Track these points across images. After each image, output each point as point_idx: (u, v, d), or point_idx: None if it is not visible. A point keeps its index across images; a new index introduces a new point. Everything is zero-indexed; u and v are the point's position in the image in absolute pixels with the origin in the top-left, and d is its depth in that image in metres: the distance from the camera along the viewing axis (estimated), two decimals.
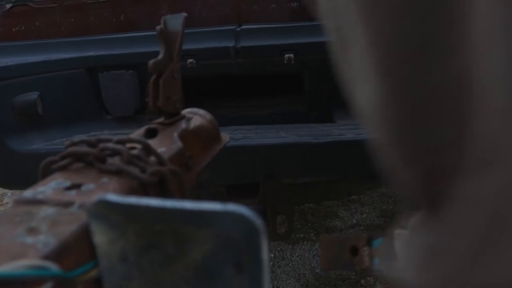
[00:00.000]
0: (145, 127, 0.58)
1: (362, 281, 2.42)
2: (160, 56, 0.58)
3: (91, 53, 1.76)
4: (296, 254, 2.73)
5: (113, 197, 0.31)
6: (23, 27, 1.88)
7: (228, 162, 1.33)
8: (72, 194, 0.38)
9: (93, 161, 0.43)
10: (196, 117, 0.65)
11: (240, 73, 1.73)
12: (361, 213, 3.15)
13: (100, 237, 0.33)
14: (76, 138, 0.45)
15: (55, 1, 1.85)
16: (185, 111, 0.66)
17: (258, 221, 0.27)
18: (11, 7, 1.86)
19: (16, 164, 1.59)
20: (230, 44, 1.67)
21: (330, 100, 1.65)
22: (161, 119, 0.61)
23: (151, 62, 0.57)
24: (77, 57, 1.75)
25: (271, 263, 2.63)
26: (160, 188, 0.44)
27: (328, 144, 1.39)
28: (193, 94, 1.71)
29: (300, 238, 2.89)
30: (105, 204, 0.31)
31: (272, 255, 2.71)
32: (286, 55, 1.63)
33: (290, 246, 2.80)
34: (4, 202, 3.78)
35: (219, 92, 2.01)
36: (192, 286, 0.33)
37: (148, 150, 0.45)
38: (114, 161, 0.43)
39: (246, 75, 1.77)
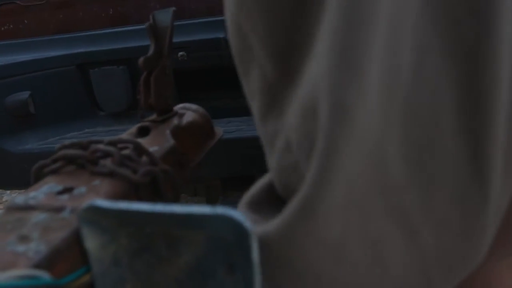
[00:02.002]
0: (138, 125, 0.58)
1: None
2: (150, 52, 0.58)
3: (81, 50, 1.76)
4: None
5: (103, 202, 0.31)
6: (11, 26, 1.87)
7: (222, 156, 1.33)
8: (64, 199, 0.38)
9: (85, 164, 0.43)
10: (189, 112, 0.65)
11: (232, 64, 1.72)
12: None
13: (92, 242, 0.33)
14: (67, 141, 0.45)
15: None
16: (178, 107, 0.66)
17: (247, 223, 0.27)
18: None
19: (11, 165, 1.59)
20: (221, 35, 1.66)
21: None
22: (153, 116, 0.61)
23: (141, 59, 0.57)
24: (67, 54, 1.75)
25: None
26: (153, 188, 0.44)
27: None
28: (185, 87, 1.70)
29: None
30: (95, 210, 0.31)
31: None
32: None
33: None
34: (4, 200, 3.78)
35: (212, 83, 2.01)
36: (185, 287, 0.33)
37: (139, 150, 0.45)
38: (106, 163, 0.43)
39: None
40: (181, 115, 0.63)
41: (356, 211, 0.30)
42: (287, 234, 0.33)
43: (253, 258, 0.28)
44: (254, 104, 0.40)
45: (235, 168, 1.49)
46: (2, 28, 1.86)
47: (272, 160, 0.40)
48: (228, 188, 1.63)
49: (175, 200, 0.48)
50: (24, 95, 1.61)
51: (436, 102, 0.26)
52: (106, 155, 0.44)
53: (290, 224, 0.33)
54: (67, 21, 1.86)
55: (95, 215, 0.32)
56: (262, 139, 0.41)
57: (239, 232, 0.28)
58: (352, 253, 0.31)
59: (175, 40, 0.62)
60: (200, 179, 1.55)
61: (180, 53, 1.65)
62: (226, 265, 0.30)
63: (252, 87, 0.40)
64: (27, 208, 0.38)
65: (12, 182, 1.72)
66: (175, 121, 0.60)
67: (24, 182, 1.70)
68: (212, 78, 1.96)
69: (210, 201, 1.67)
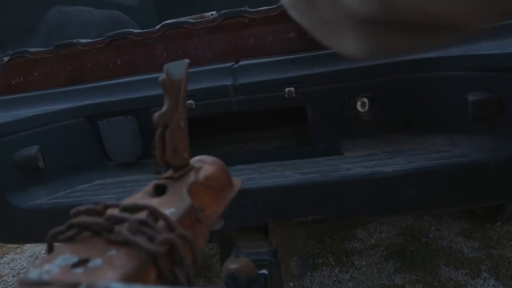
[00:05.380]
0: (153, 182, 0.56)
1: None
2: (164, 108, 0.56)
3: (89, 101, 1.75)
4: (316, 282, 2.65)
5: (118, 285, 0.29)
6: (21, 79, 1.88)
7: (233, 206, 1.30)
8: (79, 273, 0.36)
9: (100, 231, 0.41)
10: (205, 166, 0.63)
11: (241, 111, 1.70)
12: (380, 232, 3.08)
13: None
14: (82, 207, 0.43)
15: (51, 50, 1.85)
16: (194, 160, 0.64)
17: None
18: (9, 59, 1.86)
19: (20, 221, 1.56)
20: (228, 82, 1.64)
21: (335, 132, 1.61)
22: (169, 173, 0.58)
23: (155, 115, 0.55)
24: (75, 106, 1.74)
25: None
26: (171, 255, 0.42)
27: (336, 181, 1.36)
28: (195, 134, 1.68)
29: (319, 264, 2.81)
30: None
31: (291, 284, 2.63)
32: (287, 89, 1.59)
33: (309, 273, 2.72)
34: (8, 246, 3.78)
35: (222, 128, 1.98)
36: None
37: (156, 214, 0.42)
38: (122, 230, 0.41)
39: (247, 112, 1.74)
40: (197, 169, 0.61)
41: None
42: None
43: None
44: None
45: (246, 219, 1.45)
46: (13, 81, 1.87)
47: None
48: (241, 239, 1.59)
49: (195, 263, 0.46)
50: (33, 150, 1.60)
51: None
52: (122, 220, 0.42)
53: None
54: (75, 72, 1.86)
55: None
56: None
57: None
58: None
59: None
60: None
61: (188, 102, 1.63)
62: None
63: None
64: (41, 284, 0.35)
65: (21, 238, 1.70)
66: (191, 176, 0.58)
67: (33, 237, 1.67)
68: (223, 123, 1.93)
69: (224, 252, 1.63)
